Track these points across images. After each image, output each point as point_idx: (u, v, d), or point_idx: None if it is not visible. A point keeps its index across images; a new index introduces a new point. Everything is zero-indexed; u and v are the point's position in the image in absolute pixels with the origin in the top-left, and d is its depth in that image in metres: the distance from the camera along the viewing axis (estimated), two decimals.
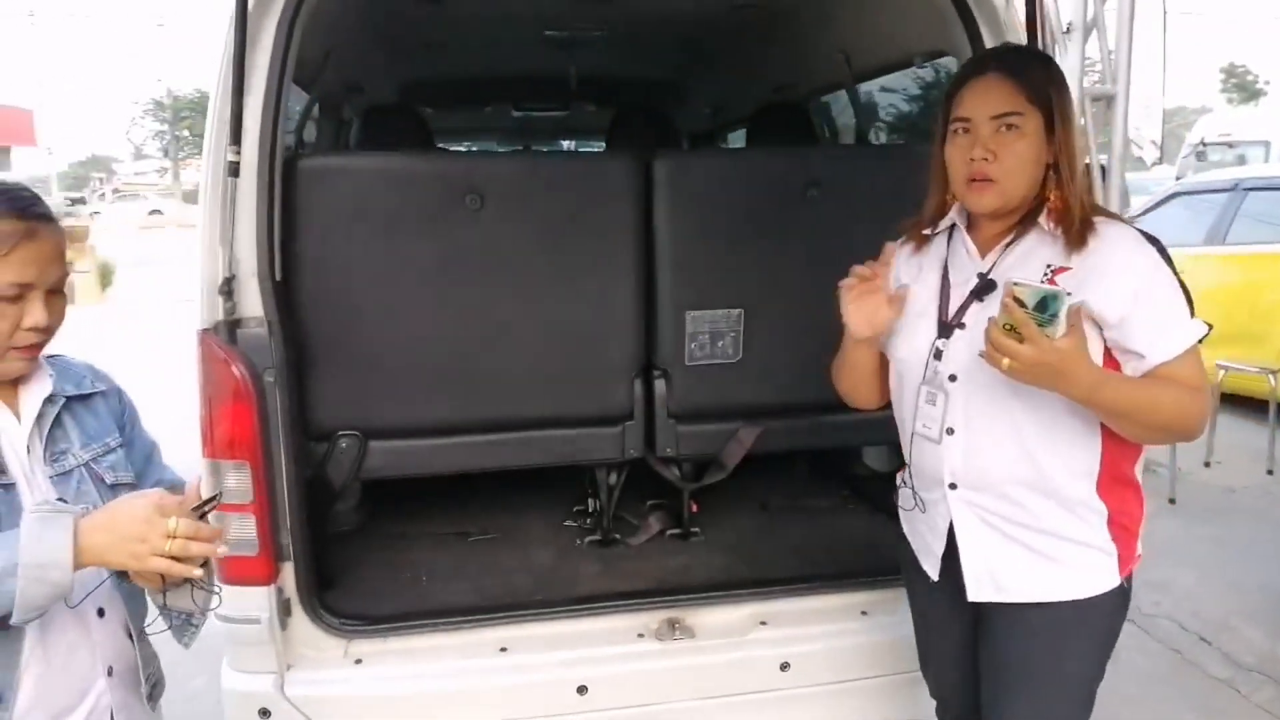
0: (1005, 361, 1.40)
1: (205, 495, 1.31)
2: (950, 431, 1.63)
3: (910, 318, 1.69)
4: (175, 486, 1.46)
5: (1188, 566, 4.01)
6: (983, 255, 1.64)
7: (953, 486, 1.65)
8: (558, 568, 2.43)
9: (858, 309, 1.66)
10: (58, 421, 1.35)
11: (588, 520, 2.67)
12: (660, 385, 2.40)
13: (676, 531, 2.61)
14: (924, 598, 1.85)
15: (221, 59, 1.90)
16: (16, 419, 1.32)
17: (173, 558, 1.17)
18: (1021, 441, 1.57)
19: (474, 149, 5.97)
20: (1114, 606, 1.64)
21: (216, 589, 1.40)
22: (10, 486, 1.26)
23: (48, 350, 1.37)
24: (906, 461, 1.76)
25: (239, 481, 1.95)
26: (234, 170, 1.88)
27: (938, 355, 1.63)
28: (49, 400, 1.35)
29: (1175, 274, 1.53)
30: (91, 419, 1.40)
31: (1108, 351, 1.55)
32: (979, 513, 1.64)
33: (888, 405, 1.82)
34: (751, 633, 2.19)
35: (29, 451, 1.31)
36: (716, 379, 2.40)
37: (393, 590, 2.33)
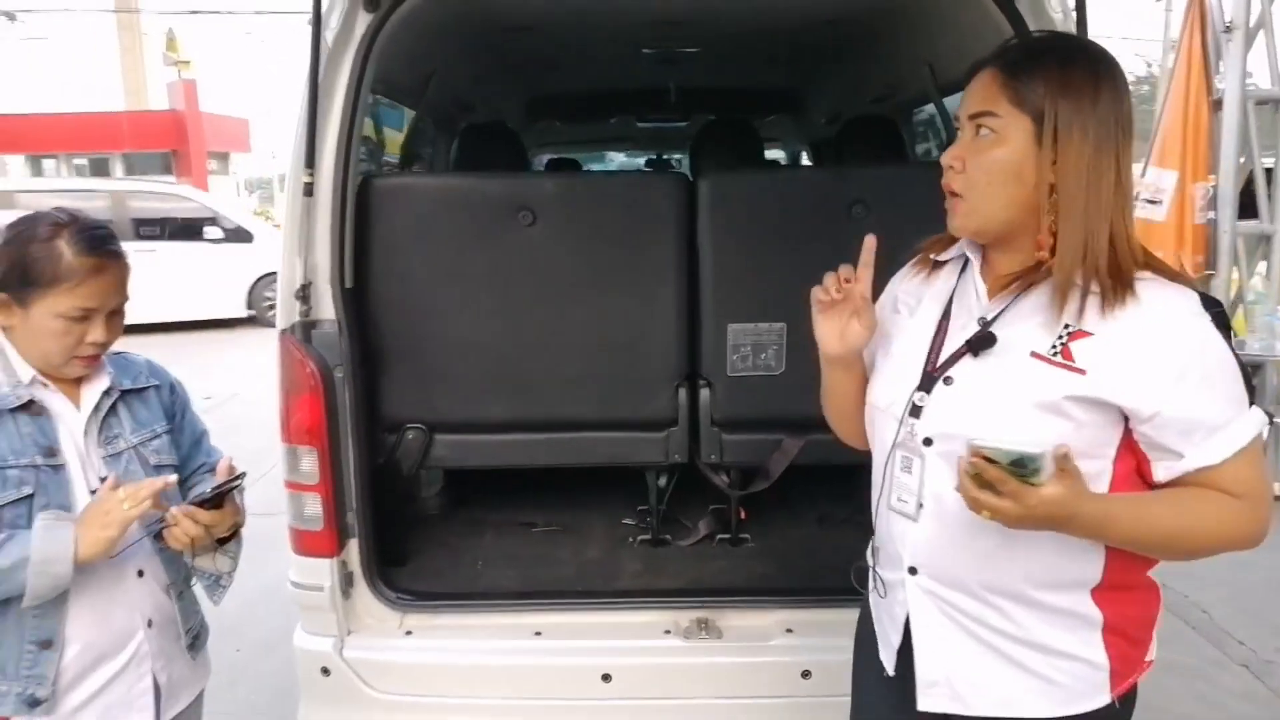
0: (985, 513, 1.18)
1: (226, 477, 1.55)
2: (920, 506, 1.37)
3: (894, 357, 1.45)
4: (215, 468, 1.71)
5: None
6: (992, 298, 1.35)
7: (912, 571, 1.40)
8: (603, 562, 2.57)
9: (827, 320, 1.46)
10: (112, 410, 1.62)
11: (646, 520, 2.79)
12: (705, 394, 2.49)
13: (726, 537, 2.68)
14: (871, 691, 1.57)
15: (303, 92, 2.15)
16: (77, 409, 1.59)
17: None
18: (1010, 538, 1.26)
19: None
20: None
21: (231, 555, 1.64)
22: (60, 467, 1.53)
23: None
24: (874, 529, 1.52)
25: (310, 465, 2.20)
26: (308, 190, 2.12)
27: (914, 411, 1.36)
28: (106, 393, 1.62)
29: (1233, 349, 1.25)
30: (143, 409, 1.67)
31: (1129, 445, 1.27)
32: (941, 606, 1.38)
33: None
34: (776, 638, 2.24)
35: (86, 435, 1.58)
36: (759, 389, 2.46)
37: (451, 571, 2.54)
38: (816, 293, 1.47)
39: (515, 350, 2.44)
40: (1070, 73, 1.27)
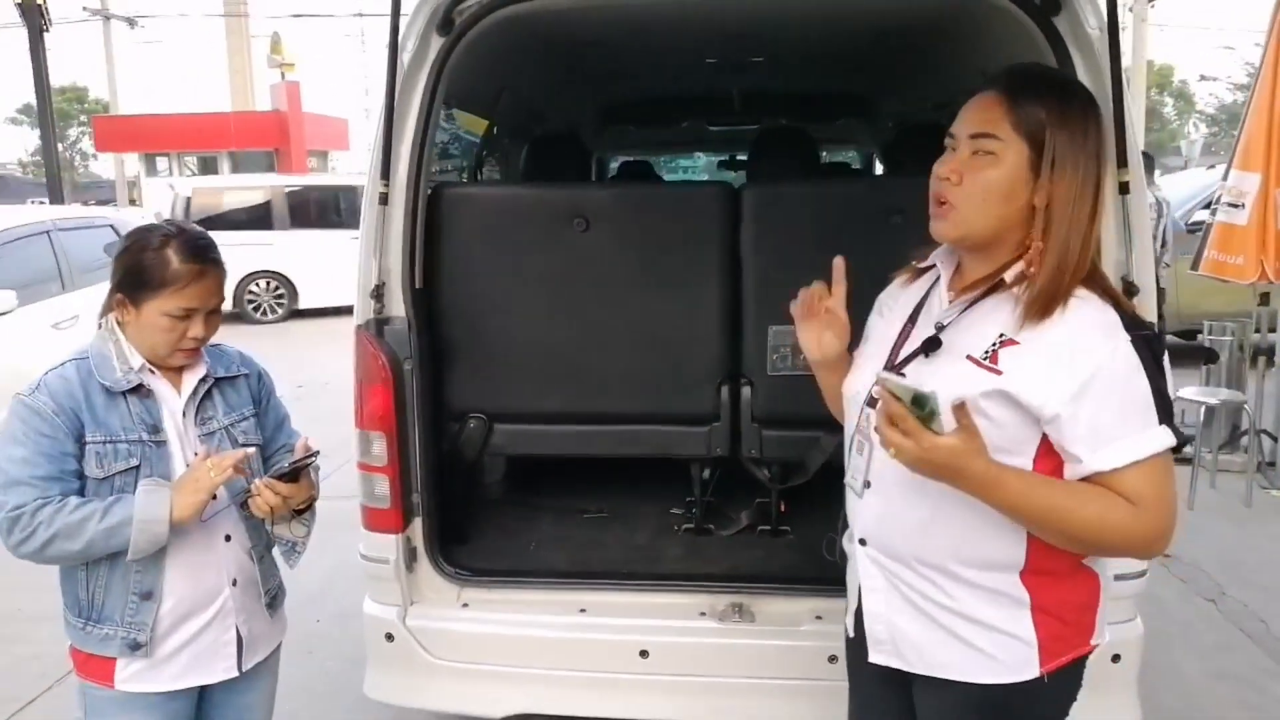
0: (890, 450, 1.31)
1: (302, 454, 1.76)
2: (868, 485, 1.52)
3: (866, 353, 1.62)
4: (294, 447, 1.94)
5: None
6: (953, 303, 1.48)
7: (862, 543, 1.56)
8: (647, 547, 2.73)
9: (806, 330, 1.64)
10: (208, 395, 1.86)
11: (692, 510, 2.94)
12: (745, 391, 2.63)
13: (767, 528, 2.81)
14: (851, 653, 1.73)
15: (380, 109, 2.36)
16: (178, 393, 1.83)
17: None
18: (937, 517, 1.42)
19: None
20: (1033, 700, 1.47)
21: (305, 524, 1.86)
22: (163, 443, 1.78)
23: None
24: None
25: (380, 449, 2.41)
26: (383, 199, 2.33)
27: (871, 402, 1.48)
28: (203, 380, 1.85)
29: (1157, 370, 1.33)
30: (234, 394, 1.90)
31: (1046, 446, 1.38)
32: (886, 575, 1.53)
33: None
34: (805, 624, 2.36)
35: (184, 416, 1.83)
36: (798, 389, 2.56)
37: (507, 550, 2.74)
38: (794, 307, 1.66)
39: (569, 347, 2.62)
40: (1069, 108, 1.39)
